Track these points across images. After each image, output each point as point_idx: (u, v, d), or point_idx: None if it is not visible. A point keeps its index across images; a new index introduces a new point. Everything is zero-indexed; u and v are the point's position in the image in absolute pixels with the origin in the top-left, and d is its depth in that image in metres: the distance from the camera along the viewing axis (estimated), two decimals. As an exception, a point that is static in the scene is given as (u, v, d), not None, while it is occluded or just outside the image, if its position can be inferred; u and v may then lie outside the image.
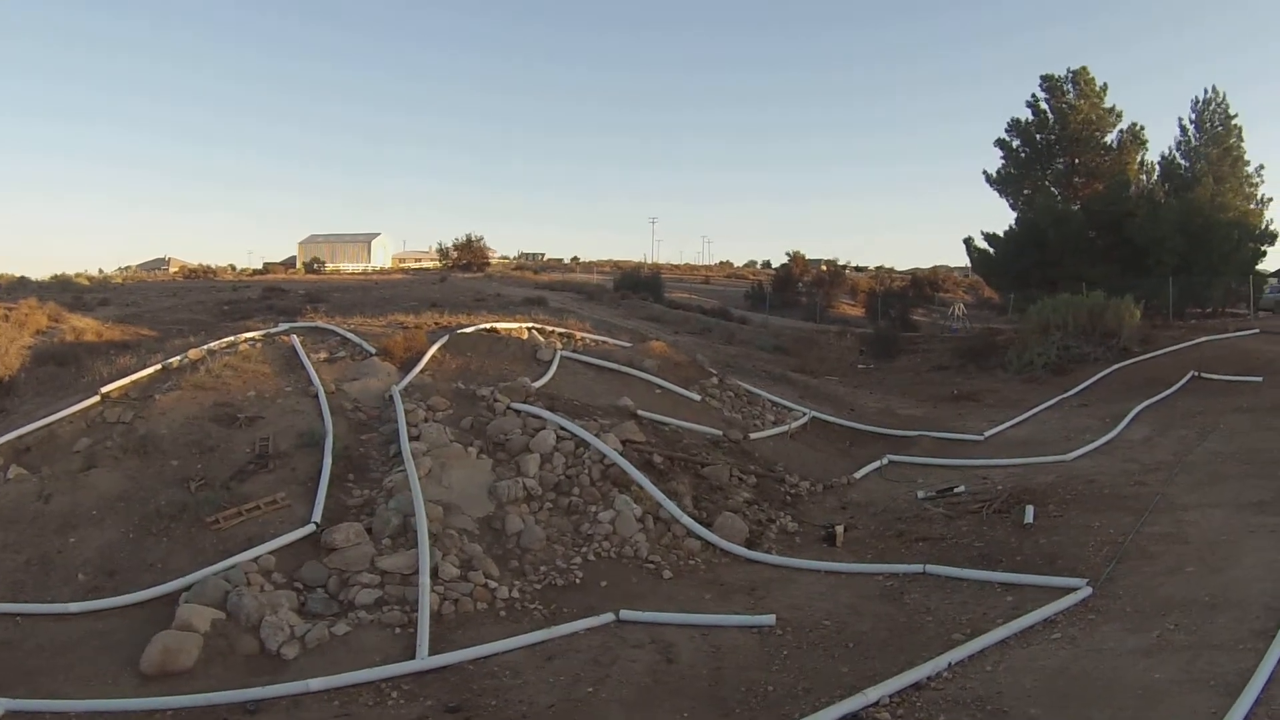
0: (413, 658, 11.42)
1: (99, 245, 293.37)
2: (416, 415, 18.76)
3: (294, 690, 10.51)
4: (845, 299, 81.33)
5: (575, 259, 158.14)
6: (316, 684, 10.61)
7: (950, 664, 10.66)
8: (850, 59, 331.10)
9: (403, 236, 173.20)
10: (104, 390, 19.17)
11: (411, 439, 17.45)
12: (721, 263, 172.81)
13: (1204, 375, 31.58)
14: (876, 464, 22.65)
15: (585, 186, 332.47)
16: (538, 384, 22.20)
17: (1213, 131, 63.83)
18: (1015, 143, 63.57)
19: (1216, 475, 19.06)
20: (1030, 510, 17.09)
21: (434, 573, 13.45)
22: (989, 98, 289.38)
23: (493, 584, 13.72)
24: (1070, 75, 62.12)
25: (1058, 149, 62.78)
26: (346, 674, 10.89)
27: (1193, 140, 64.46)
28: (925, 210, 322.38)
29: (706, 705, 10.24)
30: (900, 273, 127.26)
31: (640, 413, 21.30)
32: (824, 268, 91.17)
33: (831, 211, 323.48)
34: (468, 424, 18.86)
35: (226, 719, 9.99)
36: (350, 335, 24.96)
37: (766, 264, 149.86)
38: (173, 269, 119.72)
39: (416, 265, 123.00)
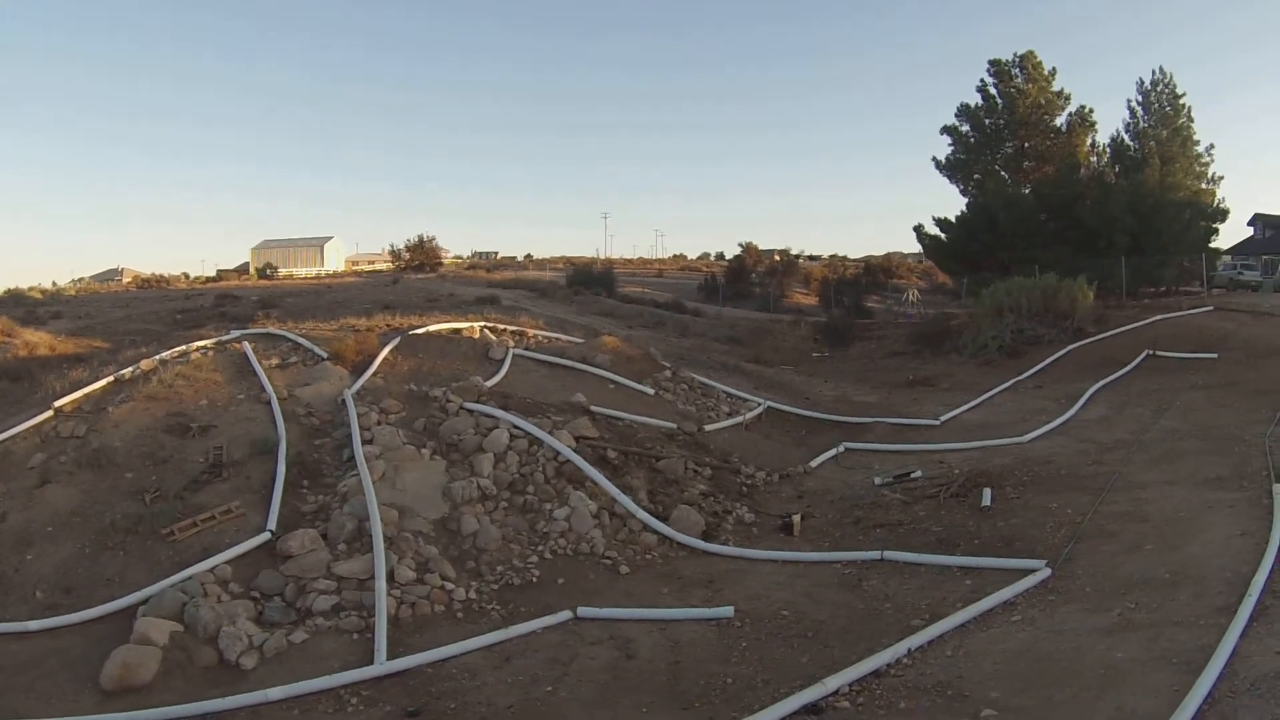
0: (371, 663, 11.32)
1: (52, 258, 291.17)
2: (369, 419, 18.62)
3: (253, 700, 10.44)
4: (799, 288, 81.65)
5: (529, 256, 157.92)
6: (275, 693, 10.54)
7: (910, 650, 10.64)
8: (803, 53, 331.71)
9: (355, 240, 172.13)
10: (57, 404, 19.00)
11: (364, 443, 17.32)
12: (675, 256, 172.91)
13: (1159, 353, 31.78)
14: (833, 452, 22.67)
15: (538, 184, 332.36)
16: (490, 383, 22.16)
17: (1161, 112, 64.12)
18: (964, 128, 63.85)
19: (1173, 453, 19.20)
20: (988, 493, 17.14)
21: (390, 576, 13.34)
22: (942, 86, 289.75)
23: (449, 586, 13.64)
24: (1017, 59, 62.41)
25: (1007, 133, 63.07)
26: (305, 682, 10.79)
27: (1141, 122, 64.72)
28: (880, 199, 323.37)
29: (666, 700, 10.19)
30: (854, 261, 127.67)
31: (594, 408, 21.19)
32: (777, 257, 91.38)
33: (785, 203, 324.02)
34: (421, 425, 18.74)
35: (187, 732, 9.82)
36: (302, 340, 24.74)
37: (720, 256, 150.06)
38: (126, 279, 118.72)
39: (370, 268, 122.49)
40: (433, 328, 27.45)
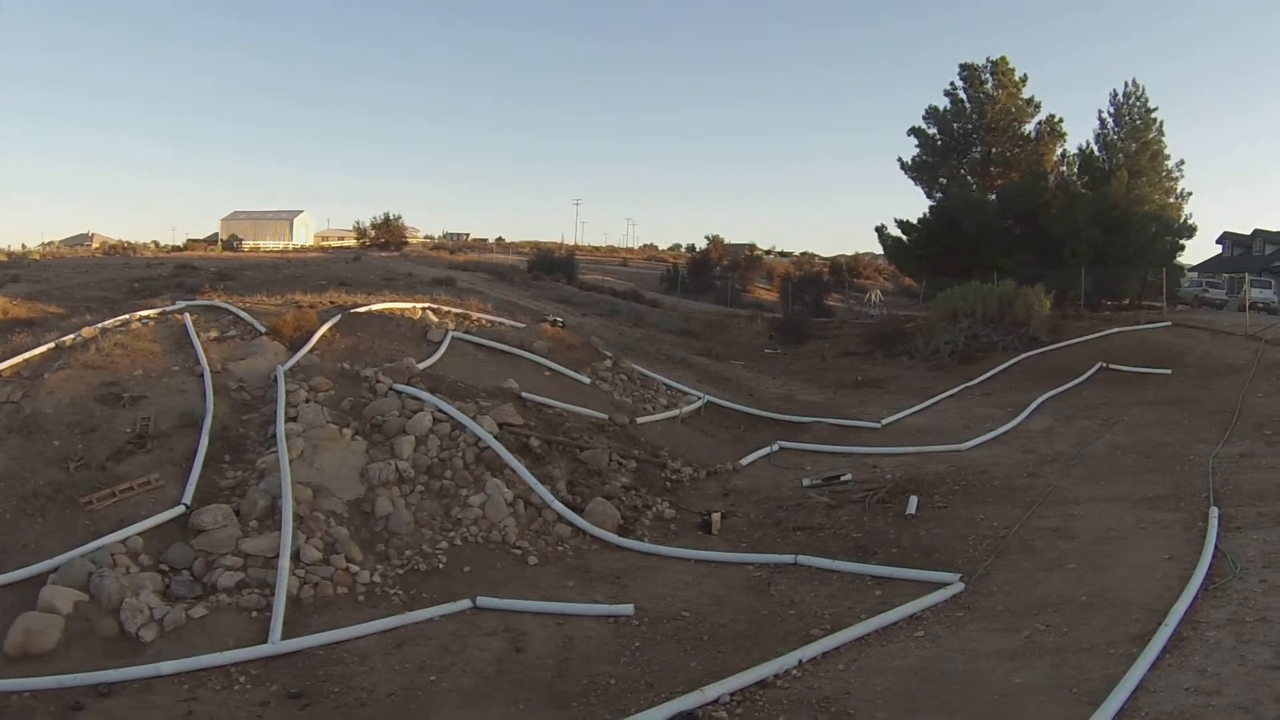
0: (266, 641, 11.34)
1: (30, 219, 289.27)
2: (298, 396, 18.50)
3: (145, 673, 10.47)
4: (762, 284, 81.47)
5: (499, 240, 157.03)
6: (167, 667, 10.58)
7: (801, 661, 10.42)
8: (792, 55, 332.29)
9: (327, 215, 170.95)
10: (-5, 369, 18.84)
11: (289, 420, 17.20)
12: (645, 246, 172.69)
13: (1112, 367, 31.73)
14: (765, 450, 22.51)
15: (516, 172, 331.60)
16: (424, 365, 22.08)
17: (1131, 125, 64.00)
18: (932, 130, 63.71)
19: (1114, 468, 19.13)
20: (914, 501, 17.10)
21: (296, 556, 13.33)
22: (924, 88, 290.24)
23: (354, 568, 13.58)
24: (989, 65, 62.32)
25: (975, 138, 63.01)
26: (197, 658, 10.85)
27: (1111, 133, 64.63)
28: (858, 199, 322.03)
29: (544, 698, 10.12)
30: (824, 259, 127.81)
31: (525, 395, 21.14)
32: (749, 252, 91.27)
33: (762, 199, 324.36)
34: (348, 405, 18.59)
35: (80, 701, 9.89)
36: (242, 314, 24.70)
37: (692, 248, 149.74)
38: (95, 245, 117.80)
39: (339, 244, 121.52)
40: (375, 307, 27.26)
